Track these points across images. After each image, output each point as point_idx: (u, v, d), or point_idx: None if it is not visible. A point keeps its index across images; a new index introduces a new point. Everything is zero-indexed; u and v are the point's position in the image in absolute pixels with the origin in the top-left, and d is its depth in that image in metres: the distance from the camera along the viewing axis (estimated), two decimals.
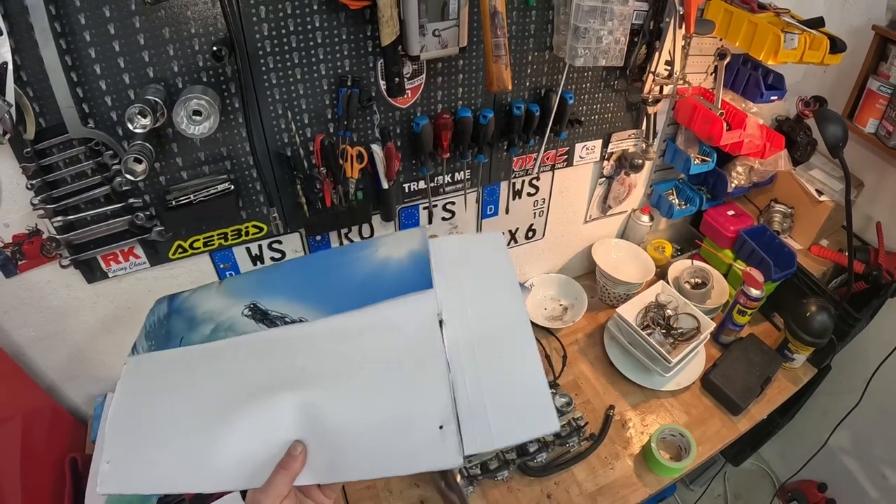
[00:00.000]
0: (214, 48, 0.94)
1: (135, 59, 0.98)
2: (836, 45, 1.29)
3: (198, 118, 0.96)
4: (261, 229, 1.29)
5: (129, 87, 1.00)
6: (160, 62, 1.00)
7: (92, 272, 1.22)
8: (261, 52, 1.04)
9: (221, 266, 1.33)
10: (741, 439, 1.56)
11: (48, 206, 1.07)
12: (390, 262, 0.90)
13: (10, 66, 0.90)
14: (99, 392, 1.45)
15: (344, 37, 1.07)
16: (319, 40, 1.06)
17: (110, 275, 1.23)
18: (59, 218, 1.09)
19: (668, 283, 1.70)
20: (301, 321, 0.86)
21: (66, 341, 1.33)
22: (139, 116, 0.95)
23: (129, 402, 0.84)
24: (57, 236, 1.11)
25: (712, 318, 1.63)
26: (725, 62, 1.44)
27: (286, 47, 1.05)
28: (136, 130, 0.96)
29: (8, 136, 0.92)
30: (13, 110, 0.92)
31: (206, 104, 0.95)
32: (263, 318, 0.89)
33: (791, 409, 1.89)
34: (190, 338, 0.89)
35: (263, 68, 1.06)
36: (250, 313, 0.90)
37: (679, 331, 1.58)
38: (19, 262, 1.16)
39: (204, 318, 0.92)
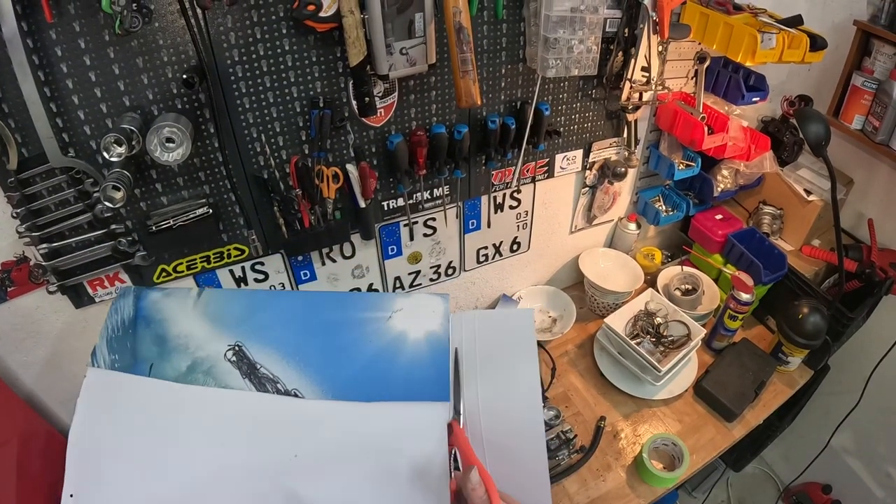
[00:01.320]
0: (185, 76, 0.96)
1: (111, 88, 1.00)
2: (817, 43, 1.28)
3: (171, 145, 0.98)
4: (242, 251, 1.30)
5: (107, 115, 1.02)
6: (135, 91, 1.01)
7: (79, 297, 1.23)
8: (233, 78, 1.05)
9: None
10: (741, 444, 1.54)
11: (33, 234, 1.08)
12: (406, 344, 0.82)
13: None
14: None
15: (314, 59, 1.09)
16: (290, 63, 1.07)
17: (97, 300, 1.24)
18: (44, 245, 1.10)
19: (657, 290, 1.70)
20: (295, 395, 0.79)
21: (57, 366, 1.33)
22: (115, 145, 0.96)
23: (93, 428, 0.78)
24: (43, 263, 1.13)
25: (704, 325, 1.62)
26: (705, 65, 1.43)
27: (257, 71, 1.06)
28: (113, 159, 0.97)
29: None
30: None
31: (178, 131, 0.97)
32: (251, 372, 0.81)
33: (791, 412, 1.87)
34: (162, 368, 0.81)
35: (236, 93, 1.07)
36: (235, 359, 0.82)
37: (669, 338, 1.57)
38: (8, 289, 1.17)
39: (178, 344, 0.83)
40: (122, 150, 0.97)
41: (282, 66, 1.07)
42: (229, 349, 0.82)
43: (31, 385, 1.35)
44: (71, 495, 0.76)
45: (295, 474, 0.74)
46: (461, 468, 0.71)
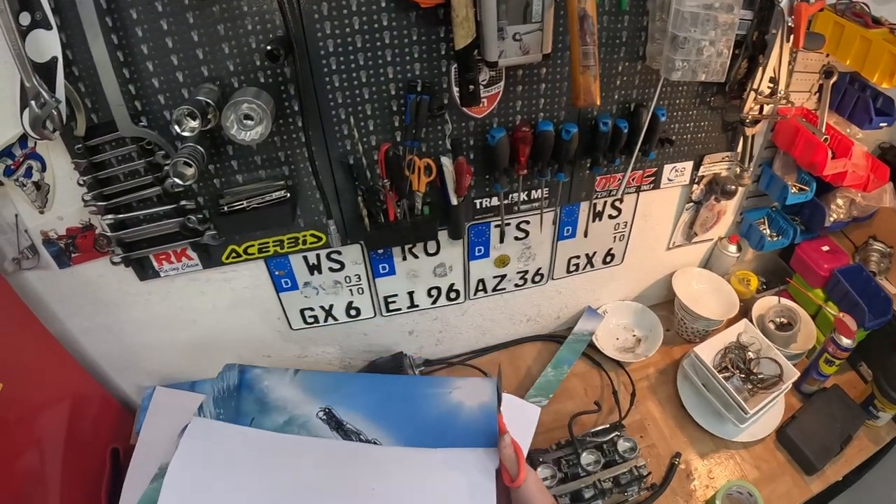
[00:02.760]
0: (269, 47, 0.81)
1: (189, 56, 0.88)
2: None
3: (249, 123, 0.84)
4: (319, 239, 1.17)
5: (183, 85, 0.91)
6: (215, 60, 0.89)
7: (144, 270, 1.14)
8: (322, 53, 0.91)
9: (277, 273, 1.22)
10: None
11: (99, 203, 0.99)
12: (462, 409, 0.93)
13: (61, 62, 0.82)
14: (148, 384, 1.39)
15: (414, 38, 0.93)
16: (387, 41, 0.92)
17: (162, 274, 1.15)
18: (110, 216, 1.01)
19: (751, 321, 1.48)
20: (375, 442, 0.90)
21: (117, 334, 1.27)
22: (188, 118, 0.84)
23: (192, 463, 0.85)
24: (108, 233, 1.03)
25: (796, 365, 1.40)
26: (832, 81, 1.22)
27: (350, 48, 0.91)
28: (185, 133, 0.85)
29: (57, 132, 0.85)
30: (63, 106, 0.84)
31: (258, 108, 0.83)
32: (338, 427, 0.91)
33: (866, 468, 1.63)
34: (261, 421, 0.91)
35: (325, 70, 0.93)
36: (325, 417, 0.92)
37: (759, 377, 1.37)
38: (73, 255, 1.10)
39: (277, 405, 0.93)
40: (195, 124, 0.85)
41: (378, 44, 0.92)
42: (320, 410, 0.93)
43: (90, 350, 1.30)
44: None
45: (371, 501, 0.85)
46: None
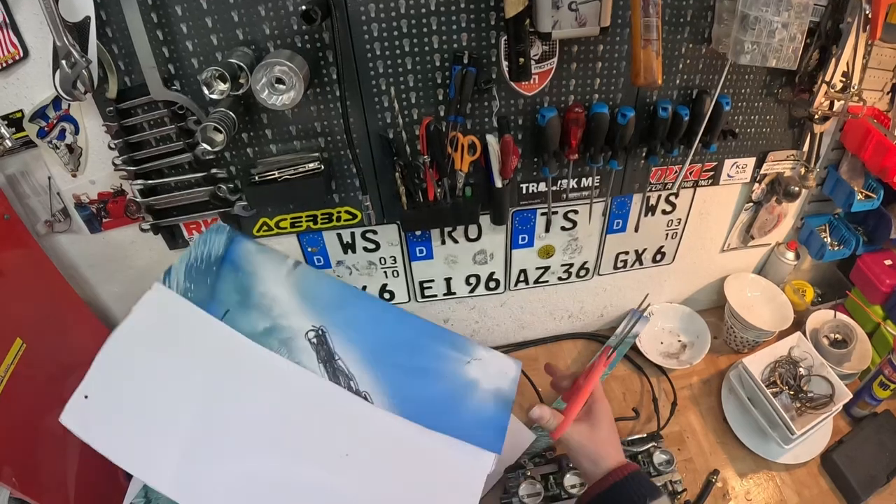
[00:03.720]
0: (304, 7, 0.73)
1: (223, 18, 0.82)
2: None
3: (280, 87, 0.77)
4: (354, 216, 1.10)
5: (217, 48, 0.85)
6: (251, 23, 0.83)
7: (174, 239, 1.10)
8: (363, 17, 0.83)
9: (309, 249, 1.16)
10: None
11: (130, 168, 0.95)
12: (475, 391, 0.81)
13: (94, 22, 0.79)
14: None
15: (462, 5, 0.84)
16: (433, 7, 0.83)
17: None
18: (139, 181, 0.96)
19: (805, 335, 1.34)
20: (365, 398, 0.77)
21: None
22: (218, 80, 0.79)
23: (139, 340, 0.74)
24: (138, 199, 0.99)
25: (847, 385, 1.27)
26: None
27: (393, 13, 0.83)
28: (214, 96, 0.80)
29: (87, 93, 0.82)
30: (94, 67, 0.81)
31: (290, 72, 0.76)
32: (327, 359, 0.78)
33: None
34: (236, 319, 0.77)
35: (366, 36, 0.85)
36: (315, 341, 0.79)
37: (809, 395, 1.24)
38: (103, 220, 1.07)
39: (261, 303, 0.79)
40: (225, 87, 0.79)
41: (423, 10, 0.84)
42: (312, 330, 0.79)
43: (119, 316, 1.23)
44: (86, 396, 0.72)
45: (339, 472, 0.72)
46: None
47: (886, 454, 1.23)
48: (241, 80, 0.80)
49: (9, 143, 0.92)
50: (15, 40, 0.82)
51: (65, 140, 0.94)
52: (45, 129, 0.92)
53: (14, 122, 0.91)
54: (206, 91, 0.79)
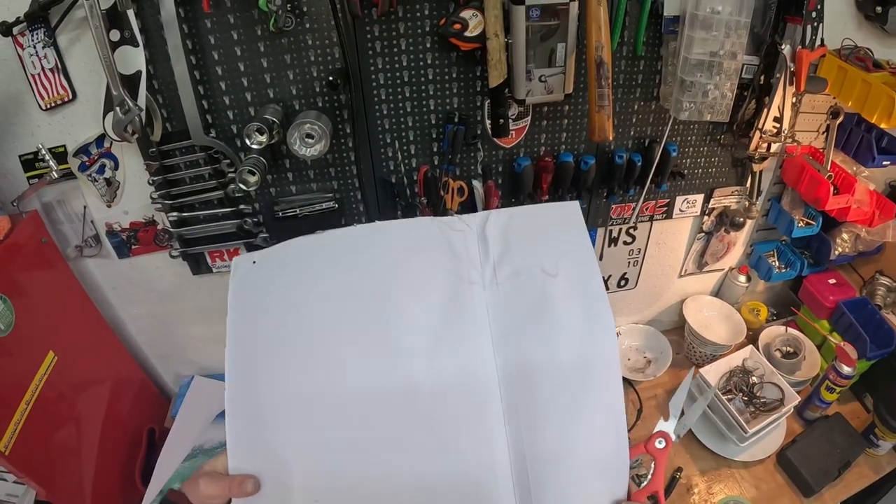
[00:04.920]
0: (330, 77, 1.01)
1: (257, 79, 1.06)
2: None
3: (310, 141, 1.03)
4: None
5: (251, 104, 1.09)
6: (280, 85, 1.07)
7: (198, 265, 1.32)
8: (374, 84, 1.09)
9: None
10: None
11: (166, 202, 1.17)
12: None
13: (144, 75, 0.99)
14: (187, 374, 1.57)
15: (454, 75, 1.12)
16: (430, 77, 1.11)
17: (214, 270, 1.33)
18: (174, 213, 1.19)
19: (757, 348, 1.64)
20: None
21: (164, 323, 1.45)
22: (257, 133, 1.02)
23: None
24: (171, 229, 1.21)
25: (799, 392, 1.55)
26: (838, 122, 1.37)
27: (398, 81, 1.10)
28: (253, 146, 1.03)
29: (136, 136, 1.02)
30: (143, 114, 1.01)
31: (319, 129, 1.02)
32: None
33: (869, 499, 1.75)
34: None
35: (376, 98, 1.11)
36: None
37: (762, 400, 1.52)
38: (133, 247, 1.28)
39: None
40: (263, 138, 1.03)
41: (422, 79, 1.11)
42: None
43: (136, 336, 1.47)
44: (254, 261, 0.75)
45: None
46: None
47: (837, 451, 1.48)
48: (275, 133, 1.04)
49: (55, 175, 1.11)
50: (65, 83, 1.02)
51: (104, 174, 1.15)
52: (87, 163, 1.13)
53: (56, 155, 1.10)
54: (247, 141, 1.02)
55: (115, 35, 0.95)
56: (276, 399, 0.69)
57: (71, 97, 1.04)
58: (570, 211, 0.77)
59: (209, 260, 1.31)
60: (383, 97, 1.11)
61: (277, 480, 0.68)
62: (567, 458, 0.71)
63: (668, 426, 0.79)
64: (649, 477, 0.75)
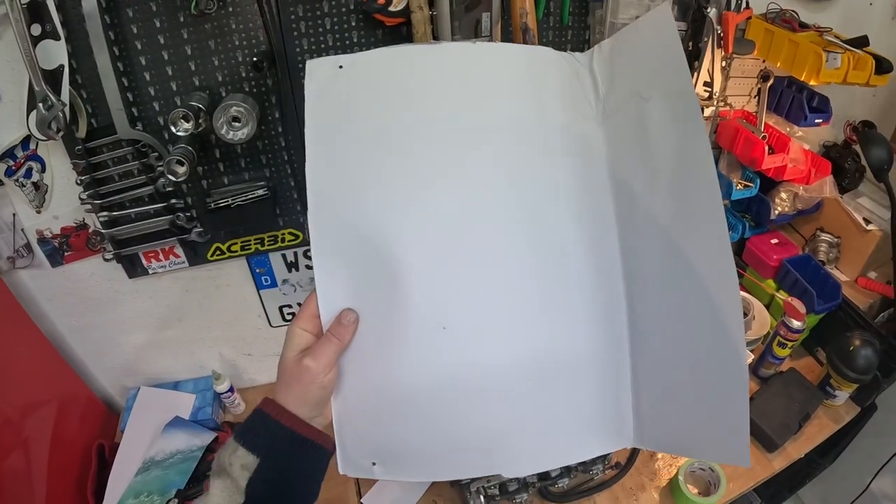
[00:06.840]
0: (255, 59, 1.01)
1: (182, 67, 1.06)
2: (882, 66, 1.26)
3: (237, 125, 1.03)
4: (296, 237, 1.34)
5: (176, 93, 1.08)
6: (205, 72, 1.07)
7: (133, 268, 1.29)
8: (300, 66, 1.09)
9: (257, 270, 1.39)
10: (778, 479, 1.51)
11: (95, 202, 1.15)
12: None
13: (66, 70, 0.98)
14: (133, 385, 1.52)
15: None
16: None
17: (150, 271, 1.31)
18: (104, 213, 1.17)
19: None
20: None
21: (104, 333, 1.41)
22: (182, 120, 1.02)
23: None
24: (102, 230, 1.19)
25: (752, 350, 1.60)
26: (769, 84, 1.42)
27: None
28: (179, 133, 1.02)
29: (61, 133, 1.00)
30: (67, 110, 0.99)
31: (245, 111, 1.01)
32: None
33: (833, 450, 1.82)
34: None
35: (303, 80, 1.11)
36: None
37: None
38: (65, 254, 1.25)
39: None
40: (188, 125, 1.02)
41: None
42: None
43: (78, 350, 1.43)
44: (340, 66, 0.74)
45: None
46: None
47: (796, 405, 1.52)
48: (201, 120, 1.04)
49: None
50: None
51: (31, 178, 1.13)
52: (13, 168, 1.10)
53: None
54: (172, 129, 1.01)
55: (37, 29, 0.94)
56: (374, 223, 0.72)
57: None
58: (663, 18, 0.69)
59: (144, 261, 1.29)
60: None
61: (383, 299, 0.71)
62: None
63: None
64: None
